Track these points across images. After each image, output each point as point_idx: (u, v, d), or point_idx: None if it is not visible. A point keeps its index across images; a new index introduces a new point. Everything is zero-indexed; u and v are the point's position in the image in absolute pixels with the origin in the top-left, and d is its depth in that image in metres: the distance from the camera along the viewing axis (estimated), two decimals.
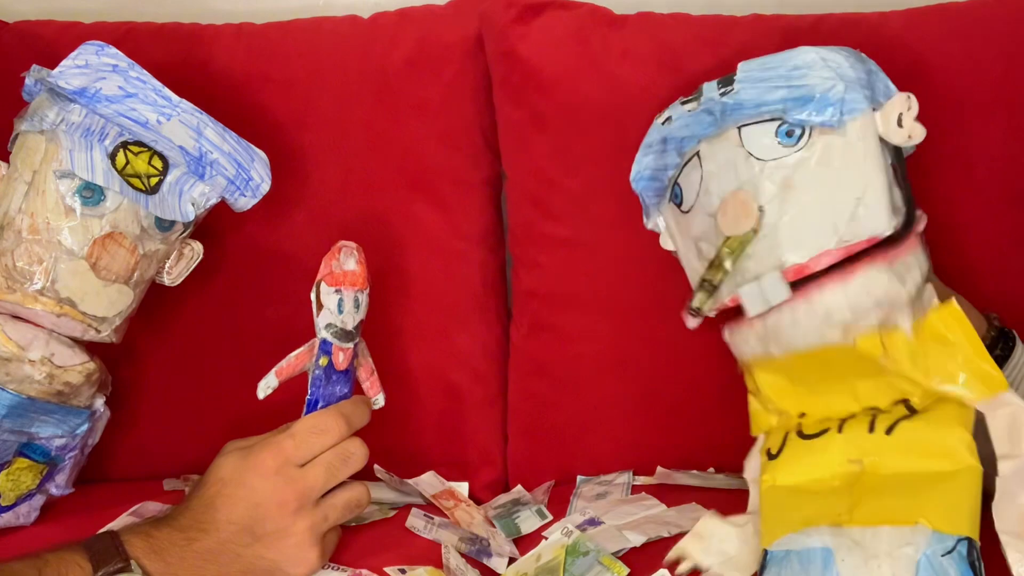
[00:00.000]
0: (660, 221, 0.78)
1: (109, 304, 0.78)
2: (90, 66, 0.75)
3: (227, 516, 0.66)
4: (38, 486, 0.81)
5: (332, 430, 0.69)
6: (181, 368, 0.93)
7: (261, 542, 0.66)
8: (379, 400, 0.77)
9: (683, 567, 0.70)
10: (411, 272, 0.93)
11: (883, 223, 0.66)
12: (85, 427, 0.81)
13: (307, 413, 0.72)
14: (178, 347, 0.92)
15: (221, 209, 0.91)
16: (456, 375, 0.94)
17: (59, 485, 0.83)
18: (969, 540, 0.59)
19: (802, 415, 0.72)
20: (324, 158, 0.92)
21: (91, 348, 0.81)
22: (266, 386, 0.73)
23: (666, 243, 0.79)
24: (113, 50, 0.76)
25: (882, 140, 0.68)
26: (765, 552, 0.66)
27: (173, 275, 0.83)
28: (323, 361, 0.72)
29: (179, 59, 0.92)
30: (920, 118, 0.67)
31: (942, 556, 0.59)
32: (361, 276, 0.72)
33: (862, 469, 0.65)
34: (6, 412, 0.75)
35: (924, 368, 0.65)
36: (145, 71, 0.76)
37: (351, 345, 0.73)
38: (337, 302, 0.71)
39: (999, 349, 0.74)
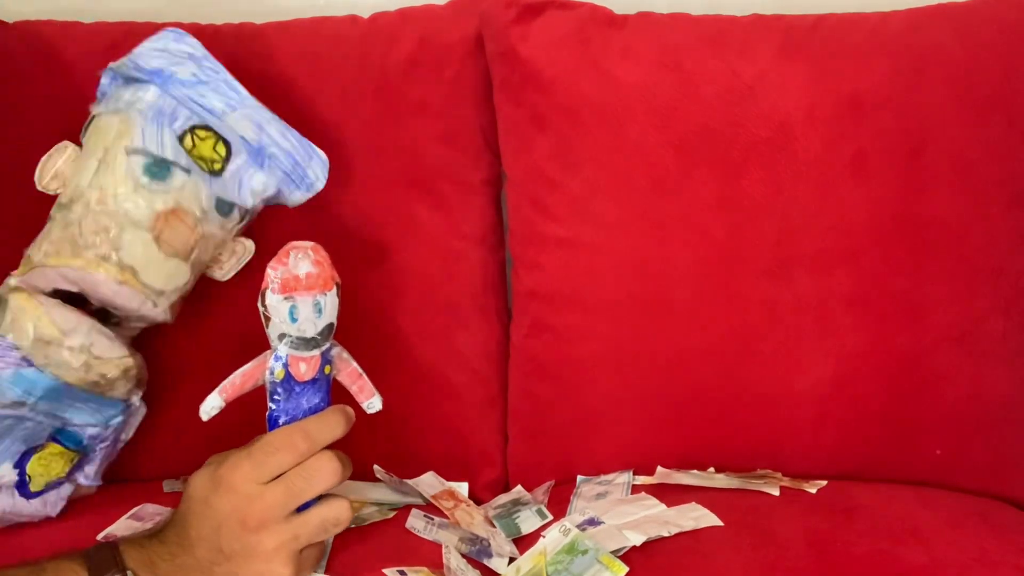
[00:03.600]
0: None
1: (168, 277, 0.79)
2: (168, 51, 0.79)
3: (197, 534, 0.65)
4: (67, 474, 0.82)
5: (289, 448, 0.65)
6: (181, 368, 0.93)
7: (231, 560, 0.65)
8: (374, 403, 0.71)
9: None
10: (411, 272, 0.93)
11: None
12: (119, 419, 0.82)
13: (270, 429, 0.67)
14: (177, 347, 0.92)
15: None
16: (456, 375, 0.94)
17: (88, 476, 0.84)
18: None
19: None
20: None
21: (135, 345, 0.82)
22: (209, 408, 0.67)
23: None
24: (191, 39, 0.79)
25: None
26: None
27: (225, 269, 0.86)
28: (279, 374, 0.66)
29: None
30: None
31: None
32: (320, 277, 0.65)
33: None
34: (43, 393, 0.76)
35: None
36: (218, 63, 0.79)
37: (315, 352, 0.66)
38: (289, 310, 0.64)
39: None
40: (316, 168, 0.85)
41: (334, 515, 0.67)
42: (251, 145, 0.81)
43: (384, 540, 0.78)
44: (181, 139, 0.79)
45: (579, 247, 0.90)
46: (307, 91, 0.93)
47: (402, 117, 0.93)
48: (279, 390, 0.66)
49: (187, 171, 0.79)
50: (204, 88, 0.79)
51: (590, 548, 0.73)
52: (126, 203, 0.77)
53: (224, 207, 0.81)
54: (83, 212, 0.77)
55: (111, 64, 0.80)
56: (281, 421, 0.66)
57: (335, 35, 0.95)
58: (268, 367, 0.66)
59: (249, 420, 0.71)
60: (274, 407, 0.67)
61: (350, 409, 0.70)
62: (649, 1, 0.93)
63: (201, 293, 0.89)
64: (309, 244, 0.66)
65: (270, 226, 0.92)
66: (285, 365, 0.66)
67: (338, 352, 0.70)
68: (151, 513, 0.82)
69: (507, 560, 0.76)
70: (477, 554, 0.77)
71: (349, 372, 0.70)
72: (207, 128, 0.80)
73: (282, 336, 0.65)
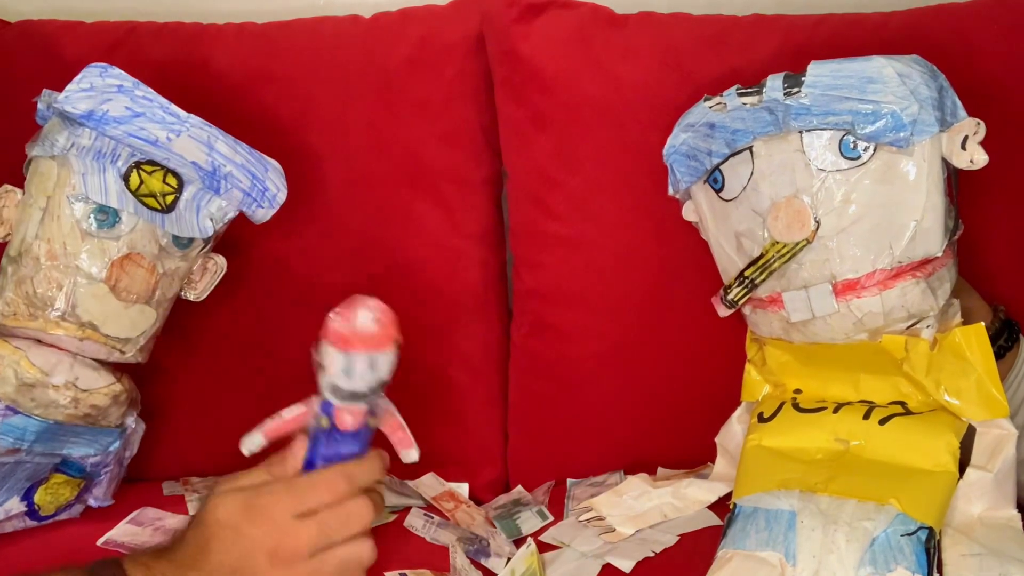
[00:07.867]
0: (690, 197, 0.79)
1: (131, 325, 0.77)
2: (95, 88, 0.74)
3: (219, 559, 0.65)
4: (76, 497, 0.82)
5: (331, 488, 0.65)
6: (180, 371, 0.93)
7: None
8: (411, 455, 0.69)
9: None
10: (412, 270, 0.93)
11: (937, 245, 0.67)
12: (117, 444, 0.81)
13: (305, 471, 0.67)
14: (177, 351, 0.92)
15: None
16: (456, 374, 0.94)
17: (97, 497, 0.84)
18: (930, 529, 0.61)
19: (798, 391, 0.74)
20: (326, 157, 0.93)
21: (119, 366, 0.81)
22: (251, 444, 0.67)
23: (689, 215, 0.80)
24: (116, 70, 0.75)
25: (943, 159, 0.68)
26: (735, 505, 0.68)
27: (199, 290, 0.83)
28: (324, 423, 0.66)
29: (181, 58, 0.93)
30: None
31: (901, 536, 0.61)
32: (380, 336, 0.62)
33: (846, 449, 0.68)
34: (35, 438, 0.75)
35: (936, 379, 0.67)
36: (151, 89, 0.75)
37: (361, 405, 0.65)
38: (344, 365, 0.62)
39: (1003, 340, 0.75)
40: (274, 179, 0.80)
41: (355, 556, 0.66)
42: (203, 169, 0.77)
43: (385, 543, 0.78)
44: (127, 178, 0.75)
45: (580, 246, 0.90)
46: (308, 91, 0.93)
47: (403, 116, 0.93)
48: (321, 437, 0.66)
49: (136, 213, 0.75)
50: (141, 120, 0.74)
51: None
52: (76, 255, 0.74)
53: (182, 241, 0.78)
54: (34, 267, 0.74)
55: (44, 98, 0.76)
56: (318, 466, 0.67)
57: (337, 35, 0.95)
58: (314, 414, 0.66)
59: (250, 426, 0.71)
60: (313, 453, 0.67)
61: (387, 455, 0.69)
62: (650, 1, 0.94)
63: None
64: (374, 302, 0.63)
65: (271, 226, 0.92)
66: (331, 415, 0.65)
67: (384, 405, 0.69)
68: (151, 518, 0.83)
69: (505, 560, 0.77)
70: (475, 553, 0.77)
71: (392, 424, 0.69)
72: (152, 163, 0.76)
73: (332, 387, 0.64)
